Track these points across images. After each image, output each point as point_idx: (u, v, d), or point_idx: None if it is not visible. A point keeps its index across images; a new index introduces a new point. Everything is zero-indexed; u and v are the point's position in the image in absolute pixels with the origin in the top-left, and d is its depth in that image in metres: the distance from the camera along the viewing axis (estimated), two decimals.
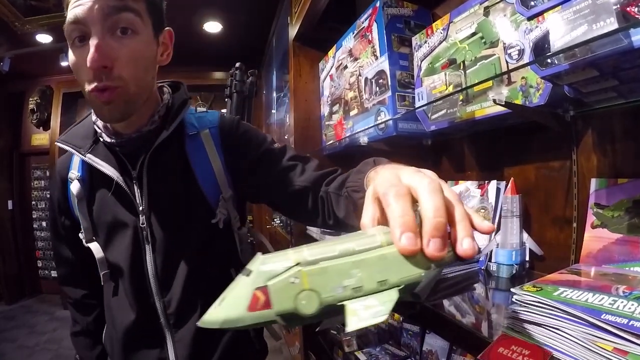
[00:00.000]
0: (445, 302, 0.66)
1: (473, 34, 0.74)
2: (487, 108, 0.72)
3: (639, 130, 0.60)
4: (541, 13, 0.47)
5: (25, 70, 3.56)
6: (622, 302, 0.40)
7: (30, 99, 3.84)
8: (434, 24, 0.85)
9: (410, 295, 0.26)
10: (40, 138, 3.95)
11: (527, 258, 0.73)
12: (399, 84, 0.98)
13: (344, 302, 0.24)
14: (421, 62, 0.90)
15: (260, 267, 0.24)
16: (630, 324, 0.36)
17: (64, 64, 2.94)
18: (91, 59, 0.50)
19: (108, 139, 0.63)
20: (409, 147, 1.13)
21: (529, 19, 0.50)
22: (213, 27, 3.00)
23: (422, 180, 0.28)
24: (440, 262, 0.25)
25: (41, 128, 3.94)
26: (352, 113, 1.22)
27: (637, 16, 0.39)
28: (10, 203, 3.94)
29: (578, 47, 0.43)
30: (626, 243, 0.58)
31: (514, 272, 0.70)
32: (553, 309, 0.42)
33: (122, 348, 0.67)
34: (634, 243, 0.57)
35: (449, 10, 0.82)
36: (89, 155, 0.63)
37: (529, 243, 0.73)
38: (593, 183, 0.65)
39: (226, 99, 1.21)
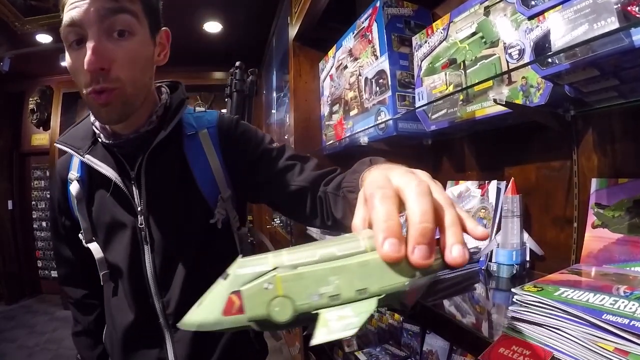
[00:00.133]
0: (446, 302, 0.66)
1: (473, 34, 0.74)
2: (487, 108, 0.72)
3: None
4: (542, 12, 0.47)
5: (25, 70, 3.56)
6: (623, 302, 0.40)
7: (30, 99, 3.84)
8: (434, 24, 0.85)
9: (397, 303, 0.25)
10: (40, 138, 3.95)
11: (528, 258, 0.73)
12: (399, 83, 0.98)
13: (319, 311, 0.23)
14: (421, 61, 0.89)
15: (237, 271, 0.24)
16: (631, 324, 0.36)
17: (64, 64, 2.93)
18: (88, 62, 0.50)
19: (106, 140, 0.63)
20: (409, 147, 1.13)
21: (530, 18, 0.50)
22: (213, 27, 3.00)
23: (409, 182, 0.26)
24: (427, 271, 0.24)
25: (41, 128, 3.94)
26: (352, 113, 1.22)
27: (637, 15, 0.39)
28: (10, 203, 3.94)
29: (579, 47, 0.43)
30: (627, 243, 0.58)
31: (515, 272, 0.70)
32: (554, 309, 0.42)
33: (121, 348, 0.67)
34: (634, 243, 0.57)
35: (449, 10, 0.82)
36: (87, 156, 0.63)
37: (530, 243, 0.73)
38: (593, 183, 0.64)
39: (226, 99, 1.21)
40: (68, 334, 0.79)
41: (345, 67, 1.25)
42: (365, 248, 0.24)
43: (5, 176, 3.94)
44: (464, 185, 0.91)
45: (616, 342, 0.36)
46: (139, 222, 0.63)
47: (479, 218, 0.83)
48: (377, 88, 1.04)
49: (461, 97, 0.77)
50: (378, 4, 1.01)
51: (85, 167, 0.66)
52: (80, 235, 0.67)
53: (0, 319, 3.41)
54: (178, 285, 0.64)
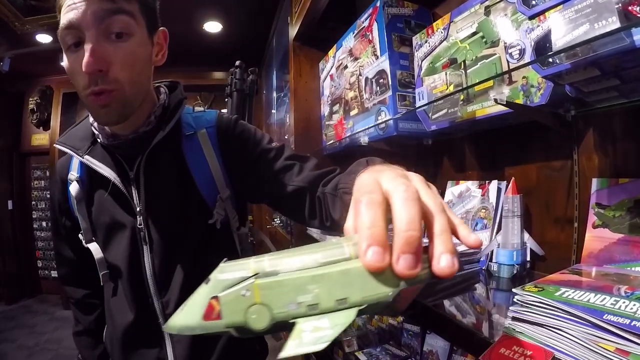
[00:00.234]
0: (446, 303, 0.66)
1: (474, 34, 0.74)
2: (488, 108, 0.72)
3: None
4: (543, 12, 0.47)
5: (25, 70, 3.56)
6: (624, 302, 0.40)
7: (30, 99, 3.84)
8: (434, 24, 0.85)
9: (384, 310, 0.24)
10: (40, 138, 3.95)
11: (528, 258, 0.73)
12: (399, 83, 0.98)
13: (296, 320, 0.22)
14: (422, 61, 0.89)
15: (218, 276, 0.24)
16: (632, 324, 0.35)
17: (64, 64, 2.94)
18: (86, 64, 0.50)
19: (105, 141, 0.63)
20: (409, 147, 1.13)
21: (531, 18, 0.50)
22: (213, 27, 3.00)
23: (397, 187, 0.25)
24: (413, 280, 0.22)
25: (41, 128, 3.94)
26: (352, 113, 1.22)
27: (638, 15, 0.38)
28: (10, 203, 3.94)
29: (580, 47, 0.43)
30: (628, 243, 0.58)
31: (515, 272, 0.70)
32: (555, 309, 0.41)
33: (121, 348, 0.67)
34: (635, 243, 0.57)
35: (449, 10, 0.81)
36: (86, 156, 0.63)
37: (530, 243, 0.73)
38: (594, 183, 0.64)
39: (226, 99, 1.21)
40: (68, 334, 0.79)
41: (346, 67, 1.25)
42: (350, 255, 0.23)
43: (5, 176, 3.94)
44: (464, 185, 0.91)
45: (617, 343, 0.36)
46: (138, 223, 0.63)
47: (479, 218, 0.83)
48: (378, 88, 1.04)
49: (462, 97, 0.77)
50: (378, 4, 1.01)
51: (85, 168, 0.66)
52: (80, 235, 0.67)
53: (0, 319, 3.41)
54: (177, 285, 0.64)
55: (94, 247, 0.66)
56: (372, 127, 1.06)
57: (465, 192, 0.89)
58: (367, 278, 0.22)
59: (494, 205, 0.80)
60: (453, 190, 0.94)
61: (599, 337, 0.37)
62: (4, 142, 3.93)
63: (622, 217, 0.59)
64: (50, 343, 2.90)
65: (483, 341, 0.49)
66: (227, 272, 0.24)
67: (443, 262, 0.23)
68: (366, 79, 1.10)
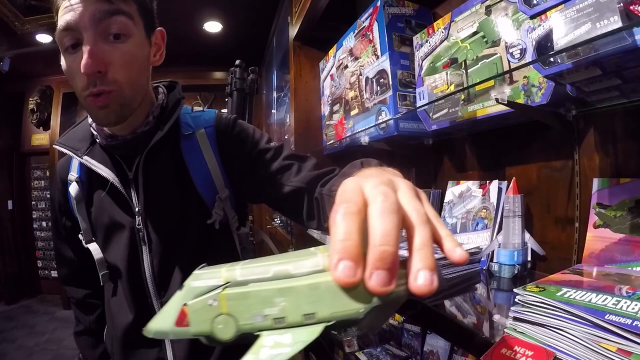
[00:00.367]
0: (447, 303, 0.66)
1: (474, 33, 0.73)
2: (488, 107, 0.71)
3: None
4: (544, 11, 0.47)
5: (25, 70, 3.55)
6: (626, 302, 0.40)
7: (30, 99, 3.83)
8: (435, 23, 0.85)
9: (362, 326, 0.23)
10: (40, 138, 3.95)
11: (529, 258, 0.73)
12: (400, 83, 0.98)
13: (261, 333, 0.22)
14: (422, 61, 0.89)
15: (191, 283, 0.24)
16: (634, 324, 0.35)
17: (62, 65, 2.94)
18: (85, 65, 0.50)
19: (104, 141, 0.63)
20: (410, 146, 1.12)
21: (532, 17, 0.50)
22: (213, 27, 3.00)
23: (376, 197, 0.23)
24: (388, 297, 0.21)
25: (41, 128, 3.94)
26: (352, 113, 1.22)
27: None
28: (10, 203, 3.94)
29: (581, 46, 0.43)
30: (629, 243, 0.58)
31: (516, 272, 0.70)
32: (556, 309, 0.41)
33: (121, 347, 0.67)
34: (636, 243, 0.57)
35: (449, 10, 0.81)
36: (85, 157, 0.63)
37: (531, 243, 0.73)
38: (595, 183, 0.64)
39: (226, 99, 1.21)
40: (68, 334, 0.79)
41: (346, 66, 1.25)
42: (324, 267, 0.22)
43: (5, 176, 3.94)
44: (465, 185, 0.91)
45: (619, 343, 0.36)
46: (137, 223, 0.63)
47: (480, 218, 0.83)
48: (378, 88, 1.04)
49: (462, 97, 0.77)
50: (379, 4, 1.01)
51: (84, 168, 0.66)
52: (80, 235, 0.67)
53: (1, 319, 3.41)
54: (176, 285, 0.64)
55: (94, 248, 0.66)
56: (372, 127, 1.06)
57: (466, 192, 0.89)
58: (338, 293, 0.21)
59: (495, 205, 0.80)
60: (454, 190, 0.94)
61: (600, 337, 0.37)
62: (4, 142, 3.93)
63: (623, 217, 0.59)
64: (50, 343, 2.90)
65: (484, 341, 0.49)
66: (199, 279, 0.24)
67: (420, 280, 0.21)
68: (367, 78, 1.10)
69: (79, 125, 0.69)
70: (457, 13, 0.78)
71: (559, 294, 0.43)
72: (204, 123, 0.68)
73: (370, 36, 1.06)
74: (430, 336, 1.14)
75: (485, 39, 0.71)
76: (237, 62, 1.18)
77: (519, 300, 0.46)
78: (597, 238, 0.62)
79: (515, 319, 0.46)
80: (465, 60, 0.76)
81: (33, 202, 4.12)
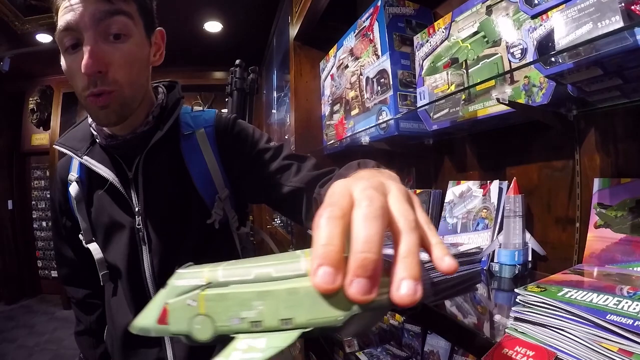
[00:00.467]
0: (447, 303, 0.66)
1: (475, 33, 0.73)
2: (489, 107, 0.71)
3: None
4: (545, 11, 0.47)
5: (25, 70, 3.55)
6: (627, 302, 0.40)
7: (30, 99, 3.83)
8: (435, 23, 0.85)
9: (344, 333, 0.22)
10: (40, 138, 3.95)
11: (530, 258, 0.73)
12: (400, 83, 0.98)
13: (237, 335, 0.22)
14: (423, 61, 0.89)
15: (174, 282, 0.24)
16: (635, 324, 0.35)
17: (61, 65, 2.94)
18: (85, 65, 0.50)
19: (103, 141, 0.63)
20: (410, 146, 1.12)
21: (533, 17, 0.50)
22: (213, 26, 3.00)
23: (361, 201, 0.22)
24: (369, 306, 0.20)
25: (41, 128, 3.94)
26: (353, 112, 1.22)
27: None
28: (10, 203, 3.94)
29: (582, 46, 0.43)
30: (629, 243, 0.58)
31: (517, 272, 0.70)
32: (557, 309, 0.41)
33: (121, 347, 0.67)
34: (637, 243, 0.57)
35: (450, 10, 0.81)
36: (85, 157, 0.63)
37: (532, 243, 0.73)
38: (596, 183, 0.64)
39: (226, 99, 1.21)
40: (68, 334, 0.79)
41: (347, 66, 1.25)
42: (305, 271, 0.22)
43: (5, 176, 3.94)
44: (465, 185, 0.91)
45: (620, 343, 0.36)
46: (137, 223, 0.63)
47: (480, 218, 0.83)
48: (379, 87, 1.04)
49: (463, 97, 0.77)
50: (379, 3, 1.01)
51: (84, 168, 0.66)
52: (80, 235, 0.67)
53: (1, 319, 3.41)
54: None
55: (94, 248, 0.66)
56: (373, 126, 1.06)
57: (467, 192, 0.89)
58: (317, 299, 0.21)
59: (496, 205, 0.80)
60: (454, 190, 0.94)
61: (602, 337, 0.37)
62: (4, 142, 3.93)
63: (624, 217, 0.59)
64: (50, 343, 2.90)
65: (484, 341, 0.49)
66: (182, 278, 0.24)
67: (403, 290, 0.20)
68: (367, 78, 1.10)
69: (79, 125, 0.69)
70: (457, 13, 0.78)
71: (560, 294, 0.43)
72: (204, 123, 0.68)
73: (371, 36, 1.06)
74: (431, 336, 1.14)
75: (486, 39, 0.71)
76: (237, 61, 1.18)
77: (520, 300, 0.46)
78: (598, 238, 0.62)
79: (516, 319, 0.46)
80: (466, 60, 0.76)
81: (33, 202, 4.12)
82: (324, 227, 0.21)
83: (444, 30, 0.82)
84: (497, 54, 0.69)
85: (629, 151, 0.62)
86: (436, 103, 0.84)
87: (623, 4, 0.40)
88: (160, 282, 0.64)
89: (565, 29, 0.45)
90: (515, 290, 0.47)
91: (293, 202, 0.62)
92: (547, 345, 0.41)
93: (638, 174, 0.60)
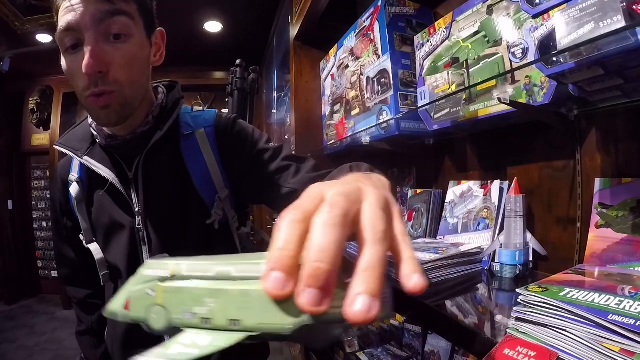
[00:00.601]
0: (448, 303, 0.66)
1: (476, 33, 0.73)
2: (490, 107, 0.71)
3: None
4: (547, 11, 0.47)
5: (25, 70, 3.55)
6: (629, 302, 0.40)
7: (30, 99, 3.83)
8: (436, 23, 0.85)
9: (300, 342, 0.22)
10: (40, 138, 3.95)
11: (531, 258, 0.72)
12: (401, 83, 0.98)
13: (187, 329, 0.22)
14: (423, 61, 0.89)
15: (142, 271, 0.25)
16: (637, 324, 0.35)
17: (62, 65, 2.94)
18: (86, 65, 0.50)
19: (104, 141, 0.63)
20: (411, 146, 1.12)
21: (534, 16, 0.50)
22: (213, 26, 3.00)
23: (324, 207, 0.21)
24: (321, 318, 0.19)
25: (41, 128, 3.93)
26: (353, 112, 1.22)
27: None
28: (10, 203, 3.94)
29: (584, 46, 0.43)
30: (630, 243, 0.58)
31: (518, 272, 0.70)
32: (559, 309, 0.41)
33: (121, 347, 0.67)
34: (638, 243, 0.57)
35: (450, 10, 0.81)
36: (85, 157, 0.63)
37: (533, 243, 0.73)
38: (597, 183, 0.64)
39: (227, 99, 1.21)
40: (68, 334, 0.79)
41: (347, 66, 1.25)
42: (263, 274, 0.21)
43: (5, 176, 3.94)
44: (466, 185, 0.91)
45: (622, 343, 0.36)
46: (137, 223, 0.63)
47: (481, 218, 0.83)
48: (379, 87, 1.04)
49: (464, 97, 0.77)
50: (380, 3, 1.00)
51: (85, 169, 0.66)
52: (81, 236, 0.67)
53: (1, 319, 3.41)
54: None
55: (94, 248, 0.66)
56: (373, 126, 1.06)
57: (468, 192, 0.89)
58: (268, 304, 0.20)
59: (497, 205, 0.80)
60: (455, 190, 0.94)
61: (603, 337, 0.37)
62: (4, 142, 3.92)
63: (625, 217, 0.59)
64: (50, 343, 2.89)
65: (485, 342, 0.49)
66: (150, 268, 0.25)
67: (356, 306, 0.18)
68: (367, 78, 1.09)
69: (79, 125, 0.69)
70: (458, 12, 0.78)
71: (561, 294, 0.43)
72: (204, 123, 0.68)
73: (371, 36, 1.06)
74: (432, 336, 1.14)
75: (487, 39, 0.71)
76: (238, 61, 1.18)
77: (521, 300, 0.46)
78: (599, 238, 0.62)
79: (518, 319, 0.46)
80: (466, 60, 0.76)
81: (33, 202, 4.12)
82: (282, 230, 0.21)
83: (445, 30, 0.82)
84: (498, 53, 0.69)
85: (630, 151, 0.62)
86: (437, 103, 0.84)
87: (625, 4, 0.40)
88: None
89: (566, 28, 0.45)
90: (517, 290, 0.47)
91: (290, 204, 0.61)
92: (549, 346, 0.41)
93: (639, 174, 0.60)
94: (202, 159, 0.65)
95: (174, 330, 0.23)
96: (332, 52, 1.39)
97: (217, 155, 0.67)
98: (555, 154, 0.74)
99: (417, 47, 0.92)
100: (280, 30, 2.58)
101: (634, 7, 0.40)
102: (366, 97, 1.11)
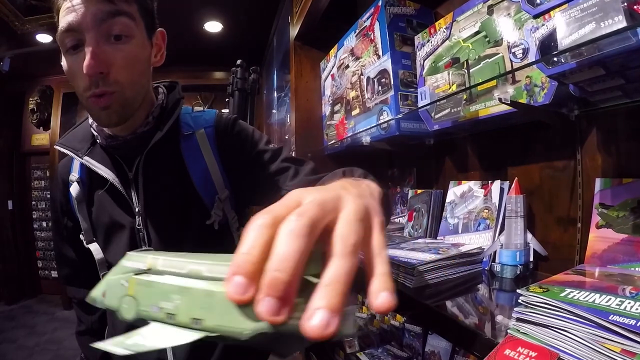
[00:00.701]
0: (448, 303, 0.66)
1: (476, 33, 0.73)
2: (491, 107, 0.71)
3: None
4: (548, 11, 0.47)
5: (25, 70, 3.55)
6: (630, 302, 0.40)
7: (30, 99, 3.83)
8: (437, 23, 0.85)
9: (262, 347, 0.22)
10: (40, 138, 3.95)
11: (531, 259, 0.72)
12: (401, 83, 0.98)
13: (153, 322, 0.23)
14: (424, 61, 0.89)
15: (122, 262, 0.26)
16: (638, 325, 0.35)
17: (62, 66, 2.94)
18: (87, 66, 0.50)
19: (104, 141, 0.63)
20: (411, 147, 1.12)
21: (535, 17, 0.50)
22: (213, 26, 3.00)
23: (293, 215, 0.20)
24: (280, 328, 0.19)
25: (41, 128, 3.93)
26: (354, 112, 1.22)
27: None
28: (10, 203, 3.94)
29: (585, 46, 0.43)
30: (631, 243, 0.58)
31: (518, 272, 0.70)
32: (560, 310, 0.41)
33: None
34: (639, 243, 0.57)
35: (451, 10, 0.81)
36: (86, 157, 0.63)
37: (533, 243, 0.73)
38: (598, 183, 0.64)
39: (227, 99, 1.20)
40: (68, 334, 0.79)
41: (347, 66, 1.25)
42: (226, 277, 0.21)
43: (5, 176, 3.93)
44: (466, 185, 0.91)
45: (623, 344, 0.36)
46: (137, 223, 0.63)
47: (482, 218, 0.83)
48: (379, 87, 1.03)
49: (464, 97, 0.77)
50: (380, 3, 1.00)
51: (85, 169, 0.66)
52: (81, 236, 0.67)
53: (1, 319, 3.41)
54: None
55: (95, 248, 0.66)
56: (374, 127, 1.06)
57: (468, 192, 0.89)
58: (229, 307, 0.20)
59: (497, 205, 0.80)
60: (455, 190, 0.93)
61: (604, 338, 0.37)
62: (4, 142, 3.92)
63: (626, 217, 0.59)
64: (50, 343, 2.89)
65: (485, 342, 0.49)
66: (130, 260, 0.26)
67: (314, 321, 0.18)
68: (368, 78, 1.09)
69: (80, 126, 0.69)
70: (459, 12, 0.78)
71: (562, 294, 0.43)
72: (204, 123, 0.68)
73: (372, 36, 1.06)
74: (432, 337, 1.14)
75: (488, 39, 0.71)
76: (239, 61, 1.18)
77: (522, 301, 0.46)
78: (600, 238, 0.62)
79: (519, 319, 0.45)
80: (467, 60, 0.76)
81: (33, 202, 4.12)
82: (249, 234, 0.20)
83: (445, 30, 0.82)
84: (498, 53, 0.69)
85: (630, 151, 0.62)
86: (437, 103, 0.84)
87: (626, 4, 0.40)
88: None
89: (567, 28, 0.45)
90: (518, 290, 0.47)
91: None
92: (550, 346, 0.41)
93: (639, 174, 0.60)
94: (202, 160, 0.65)
95: (142, 322, 0.23)
96: (332, 52, 1.39)
97: (217, 156, 0.66)
98: (556, 154, 0.74)
99: (417, 47, 0.92)
100: (280, 30, 2.58)
101: (635, 7, 0.40)
102: (366, 97, 1.11)
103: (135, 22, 0.55)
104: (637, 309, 0.38)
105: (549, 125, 0.67)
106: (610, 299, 0.41)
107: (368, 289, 0.21)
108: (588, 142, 0.68)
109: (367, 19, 1.08)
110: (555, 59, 0.49)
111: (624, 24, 0.39)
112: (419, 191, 1.11)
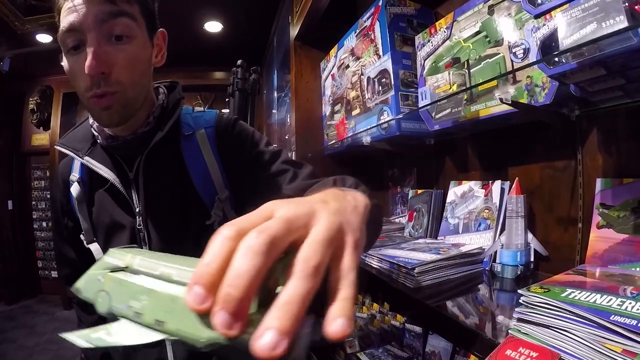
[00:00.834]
0: (449, 303, 0.66)
1: (477, 33, 0.73)
2: (491, 107, 0.71)
3: None
4: (549, 11, 0.47)
5: (25, 70, 3.55)
6: (631, 303, 0.40)
7: (30, 99, 3.83)
8: (437, 23, 0.85)
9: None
10: (40, 138, 3.95)
11: (532, 259, 0.72)
12: (402, 83, 0.98)
13: (122, 319, 0.24)
14: (424, 61, 0.89)
15: (104, 257, 0.28)
16: (639, 325, 0.35)
17: (64, 66, 2.93)
18: (89, 66, 0.50)
19: (104, 142, 0.63)
20: (412, 147, 1.12)
21: (536, 17, 0.50)
22: (213, 26, 3.00)
23: (252, 232, 0.20)
24: (234, 341, 0.19)
25: (41, 128, 3.93)
26: (354, 112, 1.22)
27: None
28: (10, 203, 3.94)
29: (587, 46, 0.43)
30: (632, 243, 0.58)
31: (519, 273, 0.70)
32: (561, 310, 0.41)
33: (122, 347, 0.67)
34: (639, 243, 0.57)
35: (451, 10, 0.81)
36: (86, 157, 0.63)
37: (534, 243, 0.72)
38: (598, 183, 0.64)
39: (227, 99, 1.20)
40: None
41: (347, 66, 1.25)
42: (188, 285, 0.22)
43: (5, 176, 3.93)
44: (467, 185, 0.91)
45: (624, 344, 0.36)
46: (137, 223, 0.63)
47: (482, 218, 0.83)
48: (380, 87, 1.03)
49: (465, 97, 0.77)
50: (380, 3, 1.00)
51: (86, 169, 0.66)
52: (81, 236, 0.67)
53: (1, 319, 3.41)
54: None
55: (95, 248, 0.66)
56: (374, 127, 1.06)
57: (468, 193, 0.89)
58: (190, 314, 0.20)
59: (498, 205, 0.80)
60: (456, 190, 0.93)
61: (605, 338, 0.37)
62: (4, 142, 3.92)
63: (627, 217, 0.59)
64: (50, 343, 2.89)
65: (486, 342, 0.49)
66: (111, 257, 0.28)
67: (262, 340, 0.18)
68: (368, 78, 1.09)
69: (80, 126, 0.69)
70: (459, 12, 0.78)
71: (563, 294, 0.43)
72: (205, 123, 0.68)
73: (372, 36, 1.06)
74: (432, 337, 1.13)
75: (488, 39, 0.71)
76: (239, 62, 1.18)
77: (523, 301, 0.46)
78: (601, 238, 0.62)
79: (520, 319, 0.46)
80: (467, 60, 0.76)
81: (33, 202, 4.11)
82: (213, 245, 0.20)
83: (446, 30, 0.82)
84: (499, 53, 0.69)
85: (631, 151, 0.62)
86: (438, 103, 0.84)
87: (627, 4, 0.40)
88: None
89: (569, 28, 0.45)
90: (519, 291, 0.47)
91: None
92: (551, 346, 0.41)
93: None
94: (202, 160, 0.65)
95: (114, 317, 0.25)
96: (332, 52, 1.38)
97: (217, 156, 0.67)
98: (557, 154, 0.74)
99: (417, 47, 0.92)
100: (280, 30, 2.58)
101: (637, 7, 0.40)
102: (367, 97, 1.11)
103: (137, 22, 0.55)
104: (638, 309, 0.38)
105: (550, 125, 0.67)
106: (611, 299, 0.41)
107: (326, 312, 0.20)
108: (589, 142, 0.68)
109: (368, 18, 1.08)
110: (556, 59, 0.49)
111: (625, 24, 0.39)
112: (419, 191, 1.10)
